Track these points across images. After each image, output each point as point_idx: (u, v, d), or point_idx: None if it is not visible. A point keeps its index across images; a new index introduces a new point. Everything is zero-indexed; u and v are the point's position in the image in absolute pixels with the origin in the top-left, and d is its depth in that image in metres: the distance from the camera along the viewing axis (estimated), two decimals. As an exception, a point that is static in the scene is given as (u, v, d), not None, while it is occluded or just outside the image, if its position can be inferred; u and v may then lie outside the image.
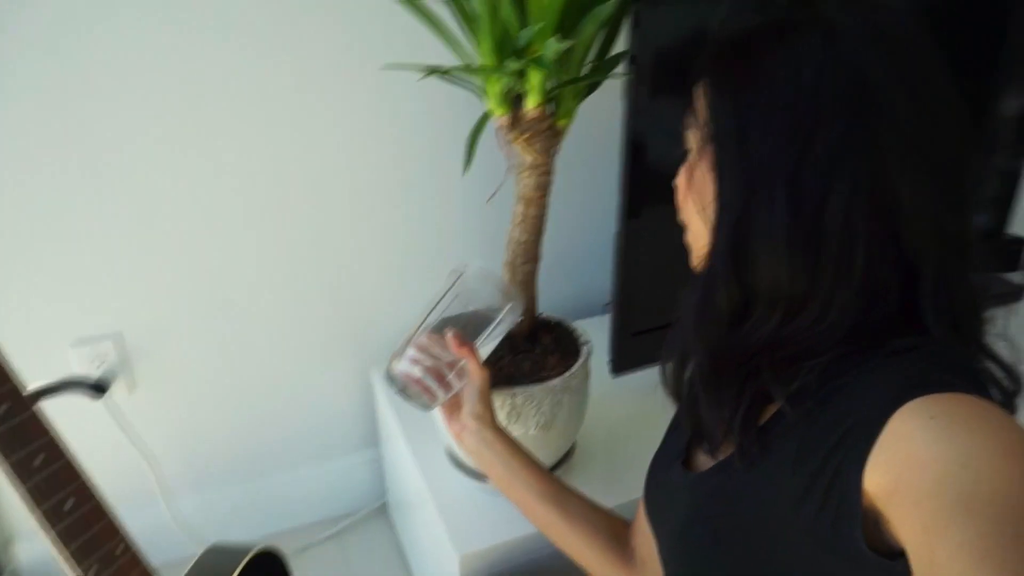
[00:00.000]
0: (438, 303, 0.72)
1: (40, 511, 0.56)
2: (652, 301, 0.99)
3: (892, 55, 0.45)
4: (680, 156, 0.57)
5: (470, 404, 0.72)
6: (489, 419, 0.73)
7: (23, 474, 0.56)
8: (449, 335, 0.70)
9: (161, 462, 1.10)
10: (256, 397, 1.17)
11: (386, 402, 1.10)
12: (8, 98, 0.88)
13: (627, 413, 1.06)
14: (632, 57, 0.82)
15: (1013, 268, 1.50)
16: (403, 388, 0.71)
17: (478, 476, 0.91)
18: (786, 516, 0.47)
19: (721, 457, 0.55)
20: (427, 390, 0.71)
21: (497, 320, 0.72)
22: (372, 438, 1.27)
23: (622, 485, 0.93)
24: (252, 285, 1.09)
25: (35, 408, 0.58)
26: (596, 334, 0.95)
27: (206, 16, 0.92)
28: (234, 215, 1.04)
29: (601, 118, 1.05)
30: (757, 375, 0.50)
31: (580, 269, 1.29)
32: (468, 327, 0.73)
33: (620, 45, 0.82)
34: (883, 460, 0.41)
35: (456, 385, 0.72)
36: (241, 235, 1.06)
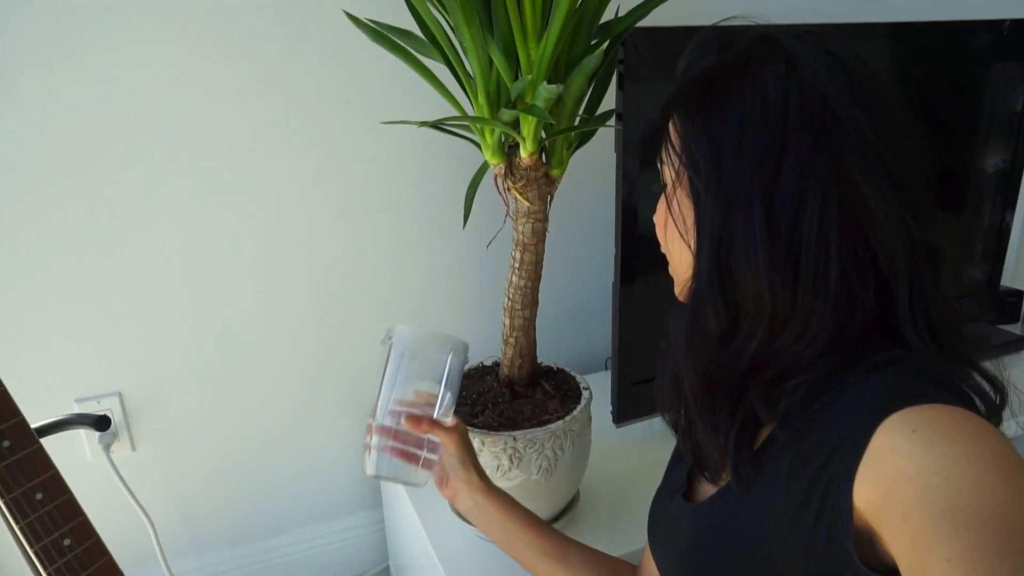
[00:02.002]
0: (383, 376, 0.68)
1: (37, 548, 0.56)
2: (653, 349, 0.99)
3: (848, 78, 0.48)
4: (656, 194, 0.59)
5: (454, 472, 0.70)
6: (477, 482, 0.70)
7: (22, 510, 0.56)
8: (403, 420, 0.66)
9: (162, 523, 1.08)
10: (258, 458, 1.16)
11: (389, 459, 1.09)
12: (15, 157, 0.92)
13: (631, 464, 1.05)
14: (618, 115, 0.87)
15: (1013, 320, 1.51)
16: (384, 478, 0.68)
17: (481, 526, 0.90)
18: (783, 537, 0.47)
19: (721, 484, 0.55)
20: (409, 471, 0.68)
21: (446, 369, 0.68)
22: (375, 499, 1.26)
23: (627, 535, 0.91)
24: (253, 343, 1.11)
25: (38, 444, 0.59)
26: (598, 388, 0.95)
27: (208, 73, 0.97)
28: (236, 275, 1.07)
29: (596, 174, 1.10)
30: (746, 398, 0.51)
31: (582, 324, 1.30)
32: (424, 383, 0.69)
33: (610, 102, 0.87)
34: (870, 475, 0.42)
35: (434, 457, 0.69)
36: (243, 294, 1.08)
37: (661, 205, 0.58)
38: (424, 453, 0.67)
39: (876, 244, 0.48)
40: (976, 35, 1.16)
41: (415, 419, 0.66)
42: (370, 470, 0.67)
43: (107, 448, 1.03)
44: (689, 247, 0.53)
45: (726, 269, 0.50)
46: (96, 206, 0.97)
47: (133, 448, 1.08)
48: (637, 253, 0.94)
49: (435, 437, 0.68)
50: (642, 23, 0.81)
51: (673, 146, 0.53)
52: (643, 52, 0.85)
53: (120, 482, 1.02)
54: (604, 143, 0.91)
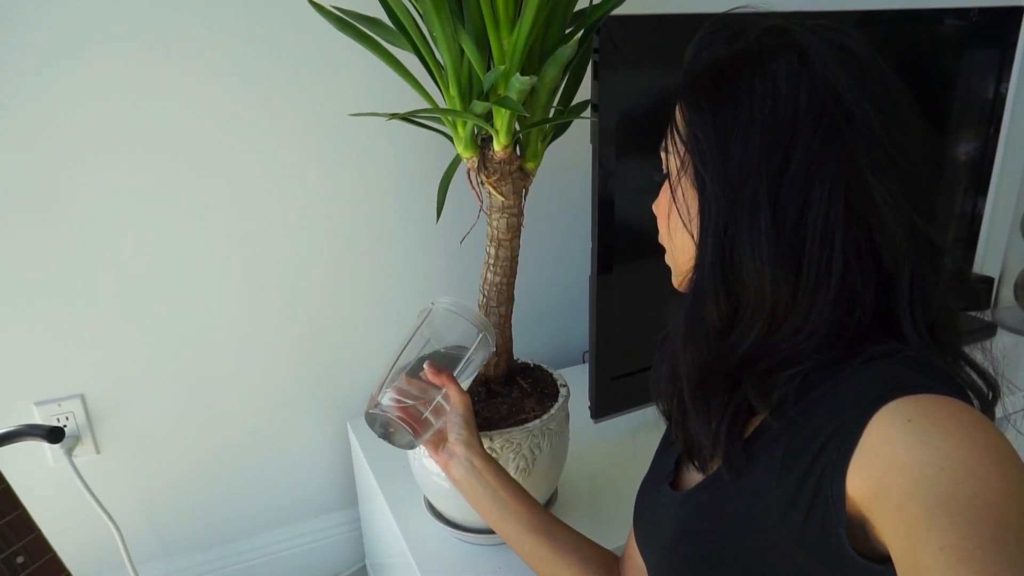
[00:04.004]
0: (408, 342, 0.72)
1: (-11, 567, 0.53)
2: (632, 344, 0.99)
3: (859, 73, 0.48)
4: (657, 183, 0.59)
5: (456, 431, 0.71)
6: (477, 446, 0.72)
7: (-28, 528, 0.53)
8: (425, 366, 0.70)
9: (129, 528, 1.05)
10: (228, 458, 1.13)
11: (364, 458, 1.07)
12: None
13: (609, 459, 1.04)
14: (594, 106, 0.85)
15: (984, 307, 1.53)
16: (384, 431, 0.71)
17: (458, 526, 0.88)
18: (775, 525, 0.47)
19: (710, 473, 0.55)
20: (409, 427, 0.70)
21: (469, 351, 0.72)
22: (350, 497, 1.23)
23: (607, 532, 0.89)
24: (221, 341, 1.08)
25: (-11, 458, 0.56)
26: (576, 382, 0.94)
27: (176, 68, 0.94)
28: (201, 270, 1.03)
29: (572, 167, 1.08)
30: (740, 387, 0.51)
31: (558, 318, 1.29)
32: (443, 363, 0.73)
33: (585, 92, 0.85)
34: (864, 464, 0.42)
35: (435, 422, 0.71)
36: (209, 289, 1.05)
37: (663, 194, 0.57)
38: (427, 413, 0.70)
39: (880, 240, 0.48)
40: (946, 23, 1.16)
41: (434, 367, 0.70)
42: (375, 413, 0.69)
43: (69, 452, 1.00)
44: (692, 237, 0.53)
45: (729, 261, 0.49)
46: (54, 202, 0.93)
47: (97, 451, 1.05)
48: (614, 246, 0.93)
49: (444, 402, 0.71)
50: (618, 11, 0.79)
51: (680, 134, 0.52)
52: (619, 41, 0.83)
53: (84, 487, 0.98)
54: (579, 134, 0.89)
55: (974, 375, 0.50)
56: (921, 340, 0.49)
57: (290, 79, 1.00)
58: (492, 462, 0.73)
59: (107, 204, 0.96)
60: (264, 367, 1.11)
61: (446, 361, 0.73)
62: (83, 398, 1.01)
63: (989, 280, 1.50)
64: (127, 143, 0.94)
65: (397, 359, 0.72)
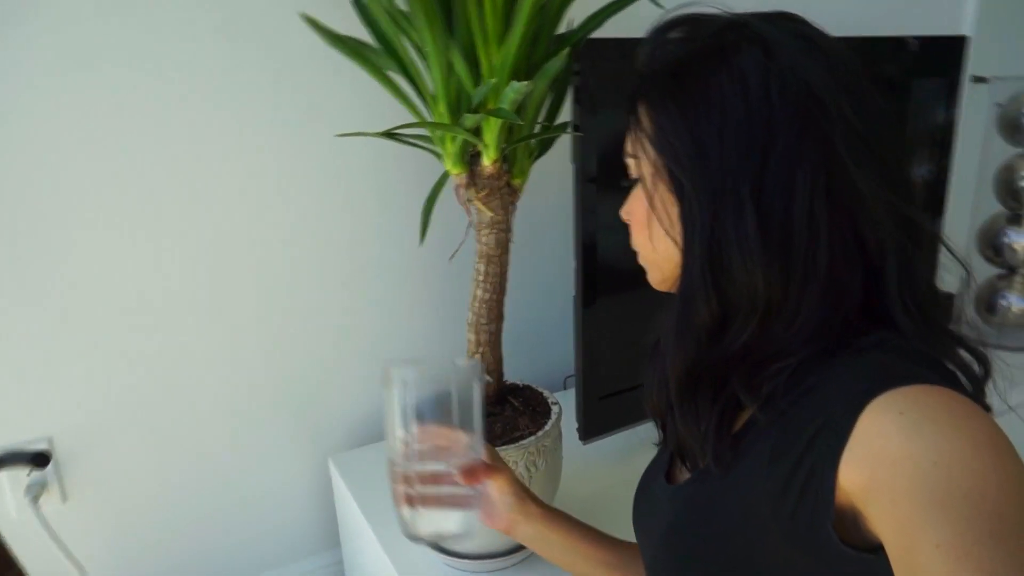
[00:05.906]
0: (397, 421, 0.61)
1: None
2: (617, 362, 0.98)
3: (825, 61, 0.48)
4: (625, 188, 0.58)
5: (510, 510, 0.66)
6: (536, 512, 0.67)
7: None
8: (457, 477, 0.60)
9: (98, 579, 0.99)
10: (202, 500, 1.08)
11: (349, 495, 1.03)
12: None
13: (600, 481, 1.03)
14: (575, 126, 0.86)
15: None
16: (436, 541, 0.64)
17: (455, 554, 0.86)
18: (764, 519, 0.46)
19: (700, 467, 0.55)
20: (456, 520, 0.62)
21: (455, 391, 0.61)
22: (332, 539, 1.19)
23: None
24: (195, 375, 1.04)
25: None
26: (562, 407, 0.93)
27: (151, 87, 0.92)
28: (175, 300, 1.00)
29: (554, 186, 1.09)
30: (727, 383, 0.51)
31: (538, 343, 1.28)
32: (444, 416, 0.61)
33: (566, 115, 0.87)
34: (856, 457, 0.42)
35: (473, 491, 0.62)
36: (183, 320, 1.01)
37: (634, 200, 0.56)
38: (462, 491, 0.61)
39: (864, 226, 0.48)
40: (887, 52, 1.22)
41: (463, 472, 0.60)
42: (416, 530, 0.61)
43: (35, 500, 0.94)
44: (676, 243, 0.52)
45: (718, 263, 0.49)
46: (18, 244, 0.90)
47: (64, 499, 0.99)
48: (598, 263, 0.93)
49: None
50: (598, 34, 0.82)
51: (649, 138, 0.51)
52: (598, 62, 0.85)
53: (50, 537, 0.92)
54: (560, 154, 0.90)
55: (965, 354, 0.50)
56: (912, 322, 0.48)
57: (269, 100, 0.98)
58: (555, 519, 0.68)
59: (80, 235, 0.93)
60: (239, 408, 1.07)
61: (445, 413, 0.61)
62: (51, 440, 0.96)
63: (950, 296, 1.56)
64: (99, 170, 0.92)
65: (394, 445, 0.61)
